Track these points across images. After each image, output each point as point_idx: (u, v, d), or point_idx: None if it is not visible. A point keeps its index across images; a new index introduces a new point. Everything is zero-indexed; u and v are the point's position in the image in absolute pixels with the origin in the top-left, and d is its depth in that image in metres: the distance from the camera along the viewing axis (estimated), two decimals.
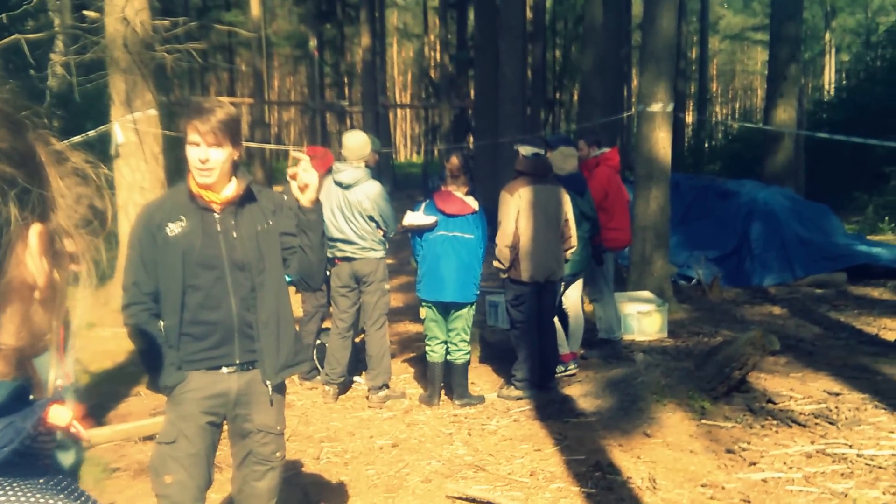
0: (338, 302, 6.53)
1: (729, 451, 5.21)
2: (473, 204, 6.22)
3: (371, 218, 6.26)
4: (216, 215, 3.01)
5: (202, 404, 3.02)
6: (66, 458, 3.44)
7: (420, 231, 6.26)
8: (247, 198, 3.06)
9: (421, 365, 7.04)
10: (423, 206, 6.29)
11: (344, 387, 6.79)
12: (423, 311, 6.40)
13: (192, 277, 2.98)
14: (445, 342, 6.39)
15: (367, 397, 6.55)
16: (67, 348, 3.36)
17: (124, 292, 3.02)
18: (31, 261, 0.69)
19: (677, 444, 5.34)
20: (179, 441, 2.99)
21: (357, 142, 6.36)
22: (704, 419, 5.75)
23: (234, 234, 3.02)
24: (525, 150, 6.54)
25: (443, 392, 6.53)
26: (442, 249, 6.18)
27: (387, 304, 6.55)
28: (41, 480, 0.66)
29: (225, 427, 3.21)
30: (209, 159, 2.89)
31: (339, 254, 6.38)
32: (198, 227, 2.98)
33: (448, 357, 6.41)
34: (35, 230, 0.69)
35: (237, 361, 3.05)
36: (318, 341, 7.07)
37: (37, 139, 0.72)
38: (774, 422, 5.72)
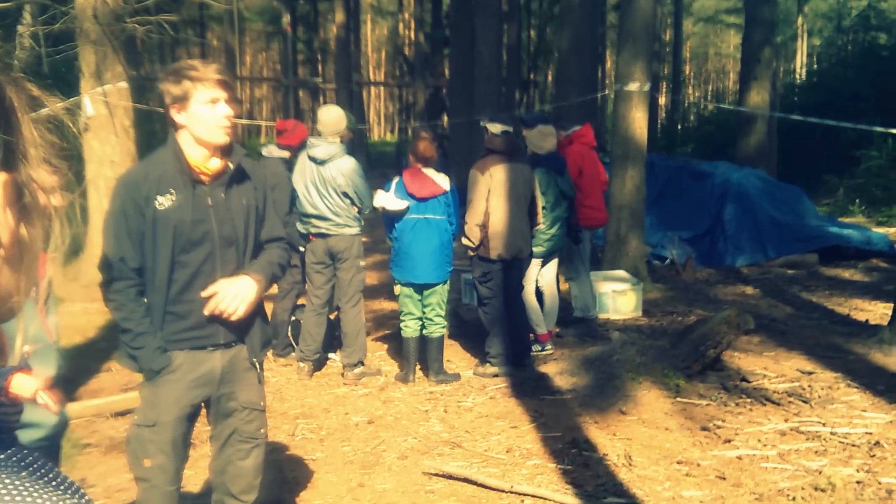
0: (312, 279, 6.47)
1: (704, 429, 5.24)
2: (444, 184, 6.19)
3: (346, 194, 6.19)
4: (206, 188, 2.86)
5: (186, 385, 2.91)
6: (35, 433, 3.27)
7: (390, 214, 6.22)
8: (237, 170, 2.92)
9: (396, 342, 7.01)
10: (393, 184, 6.23)
11: (319, 363, 6.75)
12: (398, 288, 6.37)
13: (182, 253, 2.83)
14: (420, 318, 6.37)
15: (343, 374, 6.52)
16: (49, 305, 3.22)
17: (108, 268, 2.84)
18: None
19: (653, 422, 5.36)
20: (160, 424, 2.88)
21: (332, 116, 6.29)
22: (679, 397, 5.77)
23: (225, 209, 2.88)
24: (495, 127, 6.49)
25: (418, 369, 6.51)
26: (414, 232, 6.16)
27: (362, 280, 6.50)
28: (2, 456, 0.60)
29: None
30: (231, 115, 2.76)
31: (313, 230, 6.33)
32: (189, 200, 2.82)
33: (423, 332, 6.39)
34: None
35: (222, 341, 2.94)
36: (293, 318, 7.02)
37: (8, 83, 0.66)
38: (748, 400, 5.76)
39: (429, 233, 6.16)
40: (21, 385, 2.15)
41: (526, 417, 5.58)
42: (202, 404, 3.07)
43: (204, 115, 2.74)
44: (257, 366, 3.06)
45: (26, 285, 0.69)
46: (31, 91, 0.69)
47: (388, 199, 6.19)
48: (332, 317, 6.91)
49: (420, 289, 6.31)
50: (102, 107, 8.38)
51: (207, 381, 2.95)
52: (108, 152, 8.44)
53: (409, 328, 6.39)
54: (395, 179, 6.27)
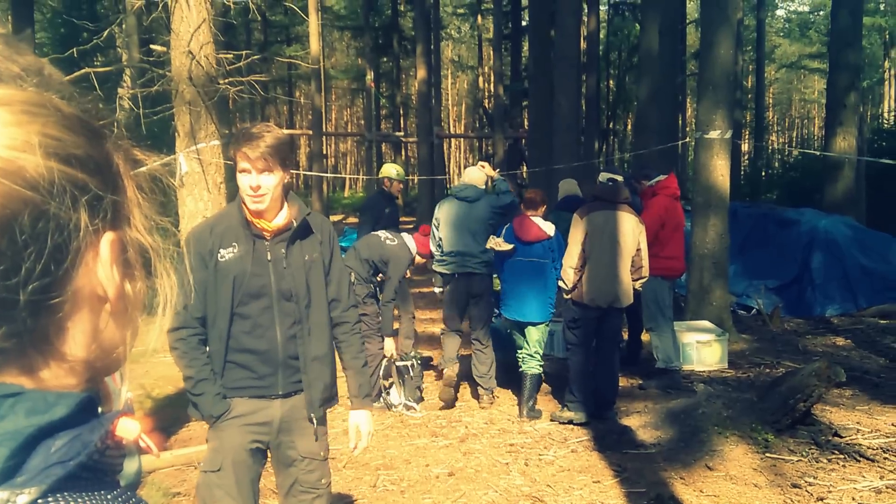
0: (450, 310, 7.19)
1: (795, 486, 5.03)
2: (549, 230, 6.59)
3: (492, 227, 6.97)
4: (267, 243, 2.95)
5: (246, 431, 2.96)
6: (128, 467, 3.37)
7: (500, 255, 6.76)
8: (299, 227, 3.00)
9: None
10: (504, 230, 6.82)
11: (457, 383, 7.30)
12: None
13: (241, 305, 2.92)
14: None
15: (480, 398, 7.12)
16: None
17: (174, 316, 2.92)
18: (101, 270, 0.67)
19: (741, 478, 5.17)
20: (224, 469, 2.93)
21: (478, 173, 7.29)
22: (768, 452, 5.56)
23: (284, 264, 2.96)
24: (602, 176, 6.76)
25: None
26: (521, 274, 6.65)
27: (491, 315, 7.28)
28: (109, 497, 0.63)
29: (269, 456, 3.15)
30: (260, 185, 2.84)
31: (459, 270, 6.97)
32: (249, 254, 2.93)
33: (521, 368, 6.75)
34: (107, 239, 0.67)
35: (280, 392, 2.99)
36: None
37: (116, 149, 0.71)
38: (841, 456, 5.52)
39: (533, 274, 6.60)
40: (125, 428, 2.23)
41: (609, 472, 5.45)
42: (267, 452, 3.10)
43: (239, 182, 2.90)
44: (314, 421, 3.05)
45: (131, 338, 0.73)
46: (135, 155, 0.74)
47: (497, 242, 6.76)
48: (412, 363, 6.97)
49: (523, 326, 6.68)
50: (196, 164, 8.66)
51: (265, 427, 3.00)
52: (201, 208, 8.70)
53: (529, 366, 6.81)
54: (507, 226, 6.85)
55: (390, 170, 8.31)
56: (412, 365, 7.11)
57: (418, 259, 7.19)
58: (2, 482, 0.56)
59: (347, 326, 3.17)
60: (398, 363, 7.09)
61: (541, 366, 6.75)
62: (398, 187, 8.32)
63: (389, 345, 7.03)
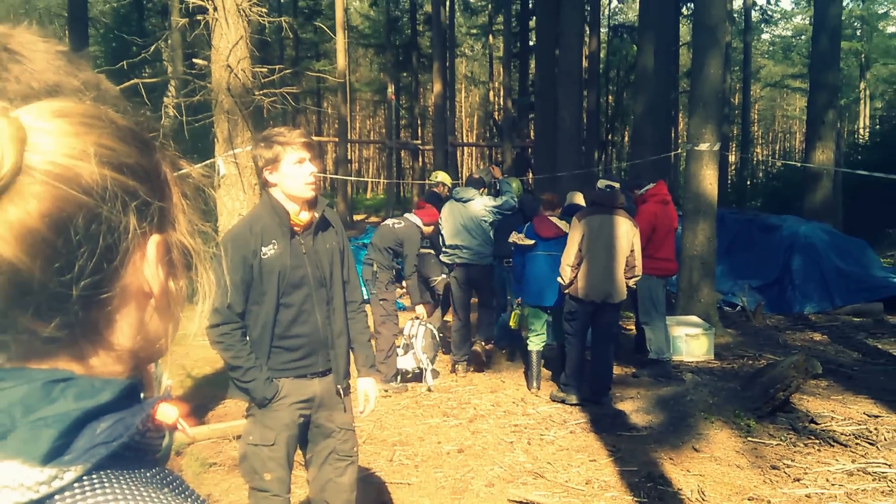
0: (457, 300, 7.61)
1: (774, 468, 5.00)
2: (565, 227, 6.89)
3: (490, 223, 7.45)
4: (299, 237, 2.99)
5: (295, 409, 3.00)
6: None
7: (521, 249, 7.10)
8: (322, 219, 3.05)
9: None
10: (525, 228, 7.19)
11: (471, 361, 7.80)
12: (525, 310, 7.12)
13: (285, 296, 2.95)
14: (542, 334, 7.06)
15: (473, 345, 7.60)
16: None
17: (215, 313, 2.90)
18: (147, 270, 0.67)
19: (724, 460, 5.15)
20: (278, 443, 2.96)
21: (472, 184, 7.82)
22: (750, 437, 5.53)
23: (314, 253, 3.01)
24: (600, 182, 6.78)
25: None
26: (541, 265, 6.95)
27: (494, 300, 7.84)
28: (148, 474, 0.64)
29: None
30: (316, 171, 2.91)
31: (458, 260, 7.49)
32: (287, 248, 2.95)
33: (530, 347, 7.10)
34: (153, 241, 0.68)
35: (320, 370, 3.04)
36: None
37: (163, 159, 0.71)
38: (817, 441, 5.48)
39: (552, 266, 6.84)
40: (165, 413, 2.23)
41: (604, 452, 5.44)
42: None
43: (293, 174, 2.88)
44: (340, 392, 3.11)
45: (172, 330, 0.74)
46: (180, 165, 0.74)
47: (519, 237, 7.13)
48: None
49: (543, 310, 7.04)
50: (233, 167, 8.67)
51: (309, 403, 3.04)
52: (237, 207, 8.71)
53: (533, 343, 7.04)
54: (527, 224, 7.23)
55: (443, 176, 9.29)
56: (434, 333, 7.40)
57: (426, 230, 7.41)
58: (51, 460, 0.56)
59: (355, 305, 3.24)
60: (428, 324, 7.33)
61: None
62: (446, 191, 9.24)
63: (421, 309, 7.41)
